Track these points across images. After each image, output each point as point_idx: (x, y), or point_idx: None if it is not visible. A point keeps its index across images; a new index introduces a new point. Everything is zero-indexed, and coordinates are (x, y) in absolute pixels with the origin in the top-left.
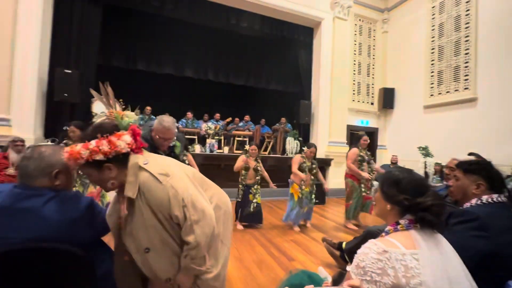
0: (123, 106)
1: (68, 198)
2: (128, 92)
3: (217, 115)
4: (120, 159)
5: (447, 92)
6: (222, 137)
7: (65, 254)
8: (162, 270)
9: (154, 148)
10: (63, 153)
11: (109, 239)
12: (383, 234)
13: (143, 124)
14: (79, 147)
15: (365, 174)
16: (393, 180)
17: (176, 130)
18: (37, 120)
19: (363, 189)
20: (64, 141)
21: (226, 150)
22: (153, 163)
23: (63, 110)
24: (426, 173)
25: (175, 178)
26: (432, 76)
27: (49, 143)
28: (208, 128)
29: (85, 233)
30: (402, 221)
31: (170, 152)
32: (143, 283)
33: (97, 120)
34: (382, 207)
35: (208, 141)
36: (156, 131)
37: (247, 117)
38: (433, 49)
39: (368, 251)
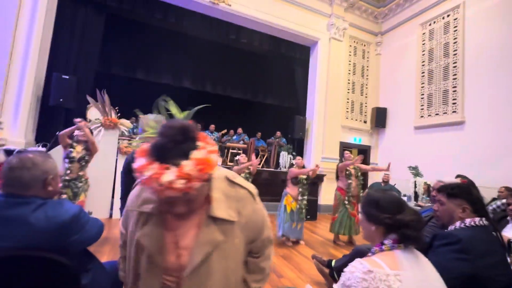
0: (119, 114)
1: (55, 206)
2: (124, 100)
3: (212, 126)
4: None
5: (436, 114)
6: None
7: (49, 262)
8: None
9: None
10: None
11: (94, 249)
12: (369, 254)
13: (137, 132)
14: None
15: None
16: (373, 201)
17: None
18: (29, 124)
19: (346, 203)
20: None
21: (219, 162)
22: (239, 177)
23: (57, 115)
24: (416, 192)
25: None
26: (422, 98)
27: (40, 148)
28: None
29: (72, 241)
30: (386, 242)
31: None
32: None
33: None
34: (367, 229)
35: None
36: None
37: (240, 130)
38: (423, 72)
39: (354, 269)
